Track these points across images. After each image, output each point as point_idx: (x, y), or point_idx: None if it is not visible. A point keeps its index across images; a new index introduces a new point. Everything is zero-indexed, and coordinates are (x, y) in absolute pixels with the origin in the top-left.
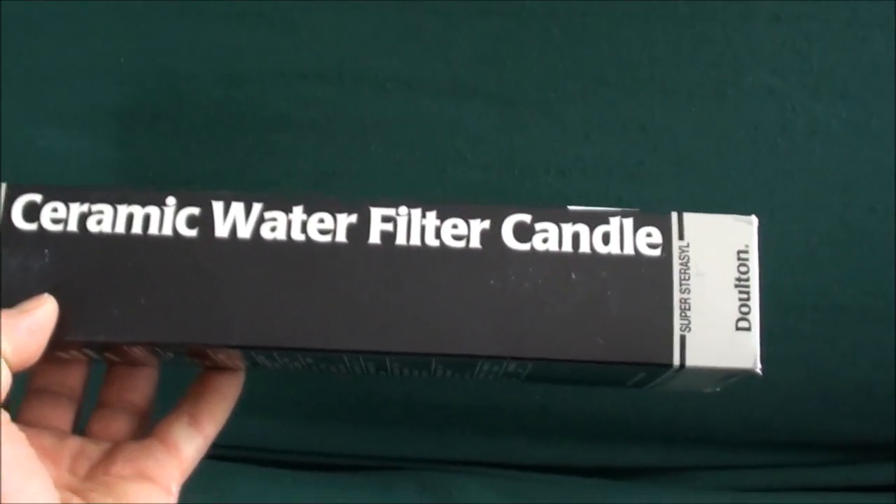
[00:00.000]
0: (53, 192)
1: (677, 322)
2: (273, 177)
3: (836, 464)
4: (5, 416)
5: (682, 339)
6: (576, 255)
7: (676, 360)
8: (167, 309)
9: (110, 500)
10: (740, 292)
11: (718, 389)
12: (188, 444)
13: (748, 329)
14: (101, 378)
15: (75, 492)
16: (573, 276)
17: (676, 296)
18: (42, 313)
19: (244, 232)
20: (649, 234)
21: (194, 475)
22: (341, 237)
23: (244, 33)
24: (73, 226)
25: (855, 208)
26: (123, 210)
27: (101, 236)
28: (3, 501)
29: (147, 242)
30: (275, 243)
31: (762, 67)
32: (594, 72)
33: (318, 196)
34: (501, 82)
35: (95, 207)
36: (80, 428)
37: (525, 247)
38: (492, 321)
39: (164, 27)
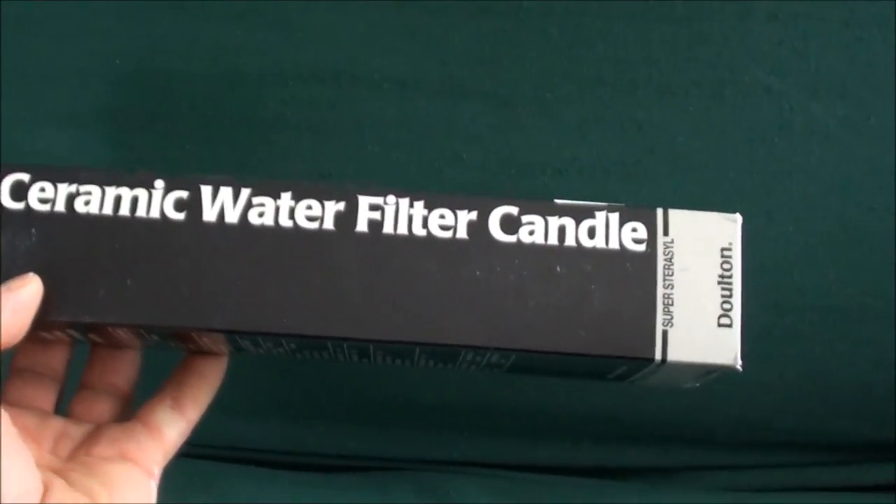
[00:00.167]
0: (41, 172)
1: (660, 317)
2: (270, 177)
3: (834, 464)
4: None
5: (665, 334)
6: (561, 248)
7: (658, 355)
8: (152, 291)
9: (92, 481)
10: (723, 289)
11: (698, 385)
12: (171, 428)
13: (730, 326)
14: (85, 360)
15: (57, 472)
16: (558, 268)
17: (660, 291)
18: (26, 293)
19: (232, 217)
20: (635, 230)
21: (193, 476)
22: (329, 224)
23: (241, 34)
24: (60, 206)
25: (853, 208)
26: (111, 192)
27: (88, 217)
28: None
29: (134, 225)
30: (262, 229)
31: (759, 67)
32: (591, 71)
33: (306, 183)
34: (498, 82)
35: (83, 188)
36: (63, 409)
37: (511, 239)
38: (476, 311)
39: (161, 28)
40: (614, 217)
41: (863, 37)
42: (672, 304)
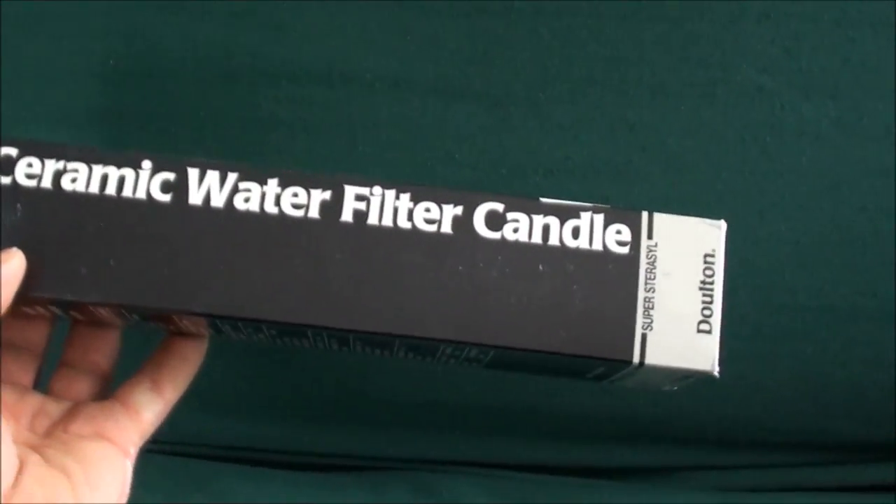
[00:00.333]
0: (29, 147)
1: (640, 320)
2: None
3: (827, 464)
4: None
5: (644, 337)
6: (545, 247)
7: (636, 358)
8: (135, 272)
9: (68, 458)
10: (704, 295)
11: (676, 388)
12: (148, 408)
13: (709, 332)
14: (65, 337)
15: (34, 448)
16: (540, 267)
17: (641, 294)
18: (9, 268)
19: (217, 201)
20: (619, 232)
21: (189, 476)
22: (314, 213)
23: (235, 34)
24: (47, 182)
25: (845, 208)
26: (98, 170)
27: (74, 195)
28: None
29: (120, 204)
30: (247, 214)
31: (751, 67)
32: (582, 72)
33: (292, 170)
34: (490, 82)
35: (71, 165)
36: (42, 386)
37: (495, 235)
38: (456, 306)
39: (156, 28)
40: (599, 218)
41: (855, 37)
42: (652, 308)
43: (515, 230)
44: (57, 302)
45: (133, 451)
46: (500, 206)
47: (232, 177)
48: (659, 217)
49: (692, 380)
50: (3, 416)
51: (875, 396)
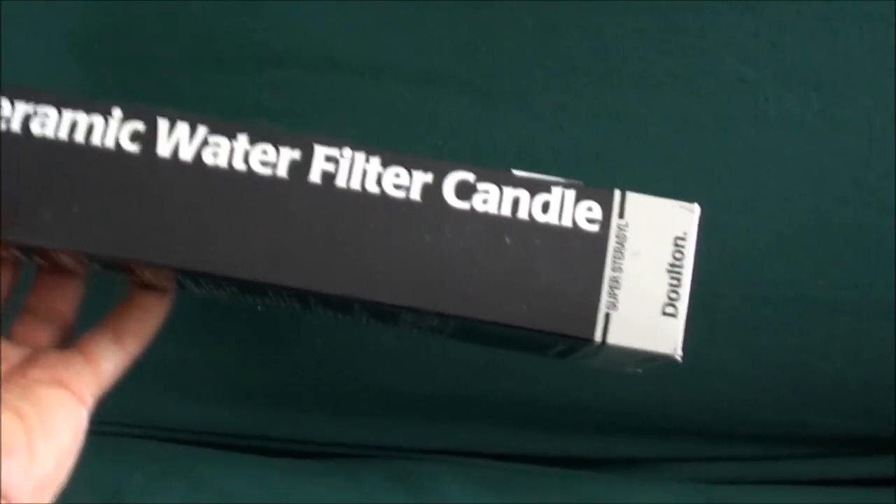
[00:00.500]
0: (1, 89)
1: (604, 299)
2: None
3: (808, 457)
4: None
5: (607, 316)
6: (513, 219)
7: (598, 337)
8: (99, 220)
9: (23, 402)
10: (672, 278)
11: (640, 371)
12: (109, 359)
13: (674, 315)
14: (29, 284)
15: None
16: (507, 240)
17: (607, 273)
18: None
19: (186, 154)
20: (590, 209)
21: (170, 461)
22: (282, 172)
23: (220, 20)
24: (16, 125)
25: (827, 200)
26: (68, 115)
27: (42, 140)
28: None
29: (88, 152)
30: (215, 170)
31: (735, 57)
32: (567, 60)
33: (263, 127)
34: (474, 71)
35: (41, 109)
36: (3, 331)
37: (464, 205)
38: (420, 274)
39: (140, 12)
40: (570, 194)
41: (838, 29)
42: (618, 288)
43: (485, 201)
44: (19, 245)
45: (90, 401)
46: (470, 176)
47: (202, 130)
48: (632, 197)
49: (656, 363)
50: None
51: (856, 389)
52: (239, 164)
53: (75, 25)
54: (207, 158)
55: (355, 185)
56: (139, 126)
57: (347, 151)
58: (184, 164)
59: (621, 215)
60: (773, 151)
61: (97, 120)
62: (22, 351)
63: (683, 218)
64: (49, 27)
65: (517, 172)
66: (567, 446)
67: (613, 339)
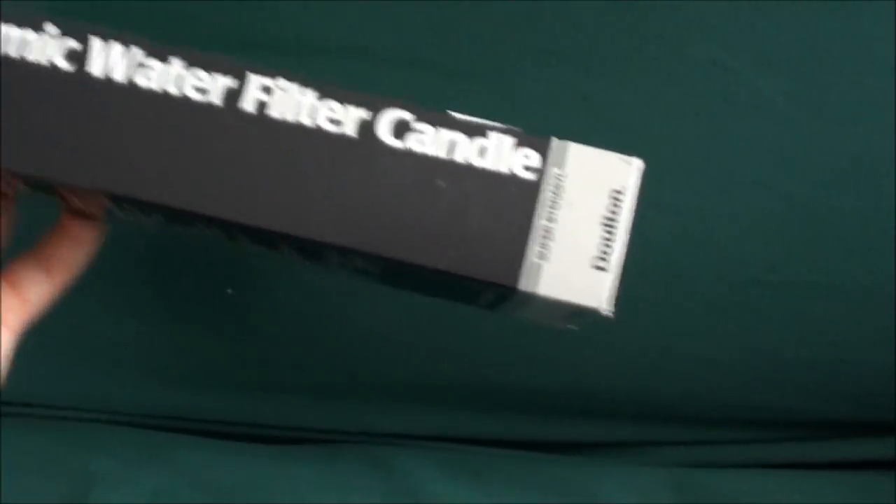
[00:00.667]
0: None
1: (534, 248)
2: None
3: (781, 440)
4: None
5: (536, 266)
6: (448, 162)
7: (525, 287)
8: (27, 138)
9: None
10: (606, 231)
11: (574, 328)
12: (35, 289)
13: (605, 269)
14: None
15: None
16: (440, 183)
17: (540, 223)
18: None
19: (119, 75)
20: (527, 156)
21: (143, 446)
22: (216, 98)
23: (195, 3)
24: None
25: (799, 183)
26: (3, 29)
27: None
28: None
29: (19, 66)
30: (148, 92)
31: (707, 40)
32: (541, 43)
33: (198, 52)
34: (448, 53)
35: None
36: None
37: (399, 144)
38: (347, 212)
39: None
40: (509, 140)
41: (810, 13)
42: (550, 238)
43: (420, 141)
44: None
45: (16, 329)
46: (408, 116)
47: (136, 51)
48: (571, 147)
49: (587, 318)
50: None
51: (827, 373)
52: (172, 89)
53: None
54: (141, 81)
55: (289, 116)
56: (73, 44)
57: (283, 81)
58: (117, 86)
59: (559, 165)
60: (745, 135)
61: (30, 35)
62: None
63: (622, 171)
64: None
65: (455, 114)
66: (540, 430)
67: (541, 289)
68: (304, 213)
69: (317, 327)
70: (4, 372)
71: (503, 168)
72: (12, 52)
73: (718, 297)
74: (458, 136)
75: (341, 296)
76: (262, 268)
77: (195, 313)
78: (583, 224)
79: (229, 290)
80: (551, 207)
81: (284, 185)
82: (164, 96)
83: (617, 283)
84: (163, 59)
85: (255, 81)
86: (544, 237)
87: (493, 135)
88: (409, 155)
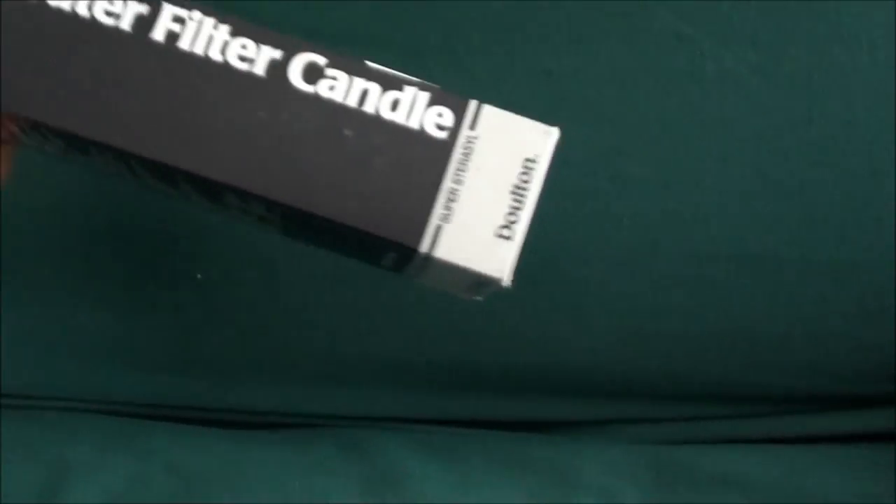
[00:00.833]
0: None
1: (438, 210)
2: None
3: (753, 416)
4: None
5: (438, 228)
6: (357, 112)
7: (425, 248)
8: None
9: None
10: (514, 200)
11: (480, 298)
12: None
13: (509, 238)
14: None
15: None
16: (347, 132)
17: (447, 184)
18: None
19: None
20: (440, 115)
21: (114, 433)
22: (126, 25)
23: None
24: None
25: (767, 157)
26: None
27: None
28: None
29: None
30: (59, 14)
31: (671, 13)
32: (500, 19)
33: None
34: (406, 32)
35: None
36: None
37: (309, 88)
38: (248, 153)
39: None
40: (423, 96)
41: None
42: (455, 201)
43: (331, 88)
44: None
45: None
46: (321, 60)
47: None
48: (487, 109)
49: (490, 289)
50: None
51: (800, 347)
52: (83, 12)
53: None
54: (52, 1)
55: (199, 49)
56: None
57: (197, 14)
58: (27, 6)
59: (473, 127)
60: (711, 109)
61: None
62: None
63: (538, 140)
64: None
65: (371, 64)
66: (517, 410)
67: (441, 253)
68: (201, 149)
69: (288, 312)
70: None
71: (414, 124)
72: None
73: (688, 273)
74: (372, 87)
75: (312, 279)
76: (232, 253)
77: (165, 299)
78: (491, 190)
79: (199, 276)
80: (460, 169)
81: (184, 120)
82: (73, 17)
83: (519, 253)
84: None
85: (168, 11)
86: (450, 199)
87: (409, 89)
88: (317, 100)
